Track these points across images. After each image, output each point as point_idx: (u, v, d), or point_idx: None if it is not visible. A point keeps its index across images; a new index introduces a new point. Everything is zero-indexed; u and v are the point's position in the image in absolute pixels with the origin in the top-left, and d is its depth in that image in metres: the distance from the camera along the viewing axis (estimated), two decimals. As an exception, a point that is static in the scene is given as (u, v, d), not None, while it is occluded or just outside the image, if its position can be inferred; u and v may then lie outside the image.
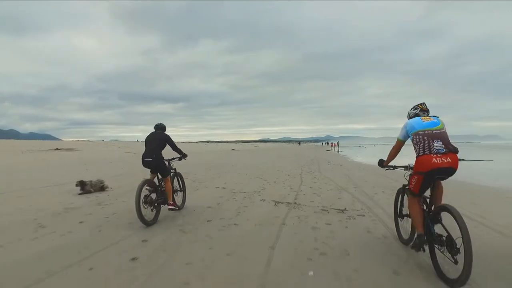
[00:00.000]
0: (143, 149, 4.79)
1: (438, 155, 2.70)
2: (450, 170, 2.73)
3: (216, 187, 7.96)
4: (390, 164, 3.40)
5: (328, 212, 5.25)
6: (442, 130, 2.83)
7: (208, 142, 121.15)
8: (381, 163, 3.43)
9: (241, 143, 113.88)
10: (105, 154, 24.01)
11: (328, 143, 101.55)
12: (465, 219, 2.52)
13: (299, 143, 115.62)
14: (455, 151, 2.74)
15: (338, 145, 50.42)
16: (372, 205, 5.88)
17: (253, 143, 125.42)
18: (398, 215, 3.73)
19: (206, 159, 19.84)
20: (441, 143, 2.74)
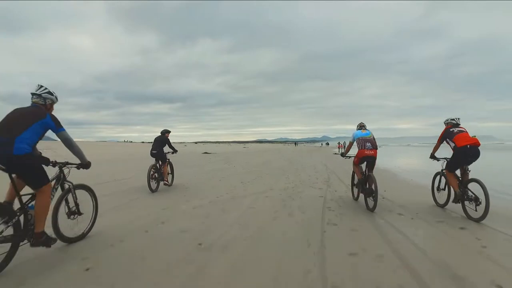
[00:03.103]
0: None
1: (368, 150, 5.41)
2: (373, 158, 5.42)
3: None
4: (348, 154, 6.14)
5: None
6: (371, 137, 5.55)
7: (196, 143, 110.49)
8: (342, 154, 6.29)
9: (235, 144, 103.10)
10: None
11: (328, 144, 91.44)
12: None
13: (295, 144, 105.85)
14: (377, 148, 5.49)
15: (344, 146, 40.66)
16: None
17: (247, 144, 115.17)
18: (353, 185, 6.32)
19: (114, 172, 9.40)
20: (370, 144, 5.46)
